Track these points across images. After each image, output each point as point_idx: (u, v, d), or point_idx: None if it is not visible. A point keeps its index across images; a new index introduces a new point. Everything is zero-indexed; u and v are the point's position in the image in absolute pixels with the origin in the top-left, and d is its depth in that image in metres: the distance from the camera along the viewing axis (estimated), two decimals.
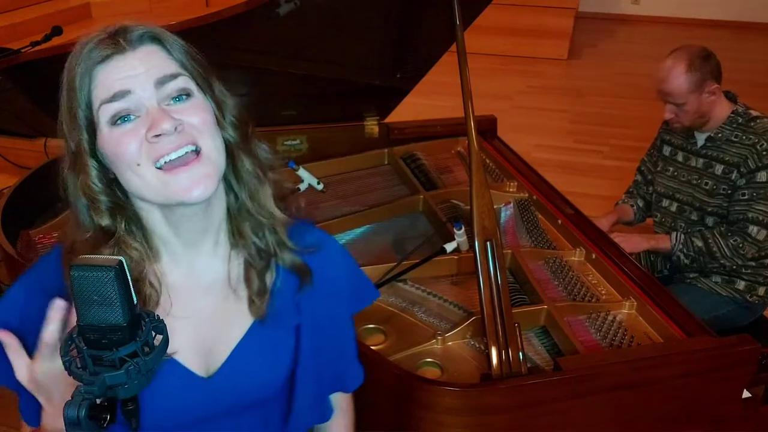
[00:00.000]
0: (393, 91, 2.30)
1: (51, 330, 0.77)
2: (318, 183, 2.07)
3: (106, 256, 0.67)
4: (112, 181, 0.86)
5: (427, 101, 3.32)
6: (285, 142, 2.32)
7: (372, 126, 2.42)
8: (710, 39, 6.54)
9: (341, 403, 1.14)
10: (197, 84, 0.87)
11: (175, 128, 0.81)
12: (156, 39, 0.86)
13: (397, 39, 2.06)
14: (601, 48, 6.37)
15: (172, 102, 0.84)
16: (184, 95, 0.85)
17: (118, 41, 0.83)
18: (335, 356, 1.06)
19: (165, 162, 0.82)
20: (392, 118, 2.44)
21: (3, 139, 2.77)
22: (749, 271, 2.15)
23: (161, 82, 0.83)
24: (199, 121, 0.84)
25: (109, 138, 0.83)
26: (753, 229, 2.04)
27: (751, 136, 2.05)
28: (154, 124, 0.81)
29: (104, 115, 0.82)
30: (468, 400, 1.32)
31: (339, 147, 2.34)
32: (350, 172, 2.28)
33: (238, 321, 0.95)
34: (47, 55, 1.82)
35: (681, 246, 2.13)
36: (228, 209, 0.94)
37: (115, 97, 0.81)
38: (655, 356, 1.40)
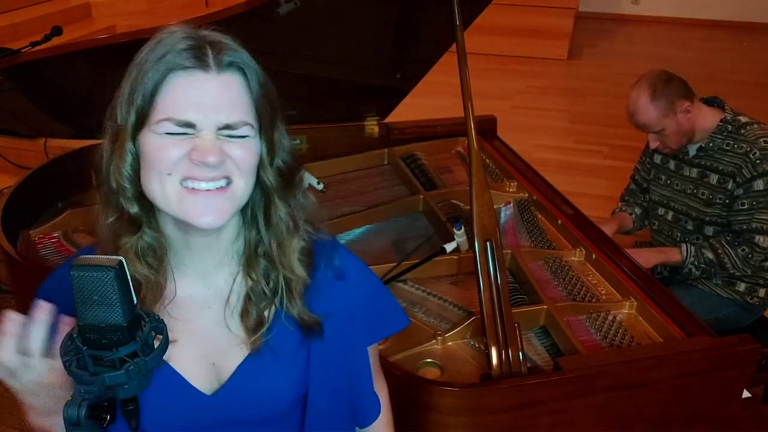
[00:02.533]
0: (393, 91, 2.30)
1: (6, 345, 0.74)
2: (318, 183, 2.07)
3: (106, 256, 0.67)
4: (139, 172, 0.86)
5: (427, 101, 3.32)
6: None
7: (372, 126, 2.42)
8: (710, 39, 6.56)
9: (380, 424, 1.12)
10: (258, 127, 0.88)
11: (218, 164, 0.82)
12: (241, 69, 0.86)
13: (397, 39, 2.06)
14: (601, 48, 6.37)
15: (226, 138, 0.84)
16: (241, 137, 0.85)
17: (206, 56, 0.83)
18: (348, 385, 1.03)
19: (192, 187, 0.83)
20: (392, 118, 2.44)
21: (3, 139, 2.77)
22: (750, 272, 2.15)
23: (226, 127, 0.83)
24: (240, 159, 0.84)
25: (154, 140, 0.83)
26: (759, 239, 2.04)
27: (743, 144, 2.05)
28: (204, 153, 0.81)
29: (161, 126, 0.82)
30: (468, 400, 1.32)
31: (339, 147, 2.34)
32: (350, 172, 2.28)
33: (236, 345, 0.94)
34: (47, 55, 1.82)
35: (692, 258, 2.11)
36: (247, 242, 0.93)
37: (180, 124, 0.82)
38: (655, 356, 1.40)
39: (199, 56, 0.83)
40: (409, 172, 2.21)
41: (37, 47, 2.25)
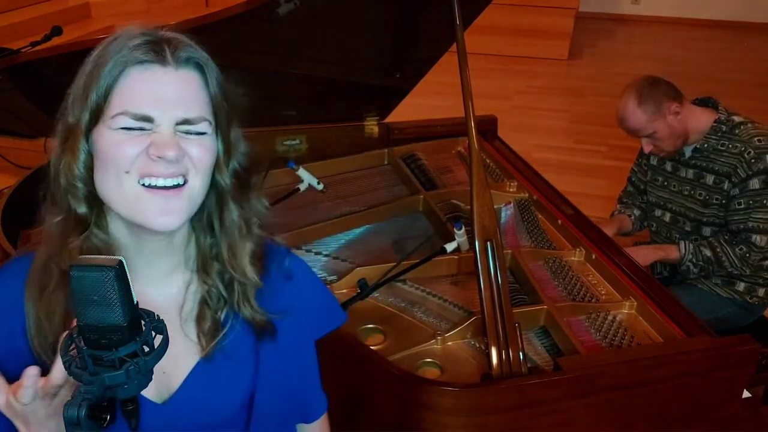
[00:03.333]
0: (393, 91, 2.30)
1: (26, 394, 0.74)
2: (318, 183, 2.07)
3: (106, 257, 0.67)
4: (92, 171, 0.85)
5: (427, 101, 3.31)
6: (285, 142, 2.32)
7: (372, 126, 2.42)
8: (710, 39, 6.56)
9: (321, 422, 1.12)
10: (216, 125, 0.87)
11: (176, 159, 0.81)
12: (199, 66, 0.86)
13: (397, 39, 2.06)
14: (601, 48, 6.38)
15: (184, 135, 0.84)
16: (197, 133, 0.85)
17: (164, 51, 0.82)
18: (297, 383, 1.03)
19: (150, 184, 0.81)
20: (392, 118, 2.44)
21: (3, 139, 2.77)
22: (749, 272, 2.15)
23: (183, 122, 0.83)
24: (198, 157, 0.84)
25: (109, 137, 0.81)
26: (756, 238, 2.04)
27: (737, 144, 2.05)
28: (162, 147, 0.80)
29: (117, 121, 0.81)
30: (468, 400, 1.32)
31: (339, 147, 2.34)
32: (350, 172, 2.28)
33: (188, 352, 0.92)
34: (47, 55, 1.83)
35: (691, 256, 2.12)
36: (200, 247, 0.92)
37: (136, 117, 0.81)
38: (655, 356, 1.40)
39: (157, 51, 0.82)
40: (409, 172, 2.21)
41: (37, 47, 2.25)
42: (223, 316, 0.92)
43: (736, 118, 2.11)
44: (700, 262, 2.11)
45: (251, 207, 0.93)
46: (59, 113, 0.86)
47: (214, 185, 0.89)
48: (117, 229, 0.88)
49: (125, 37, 0.83)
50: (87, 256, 0.68)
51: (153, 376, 0.89)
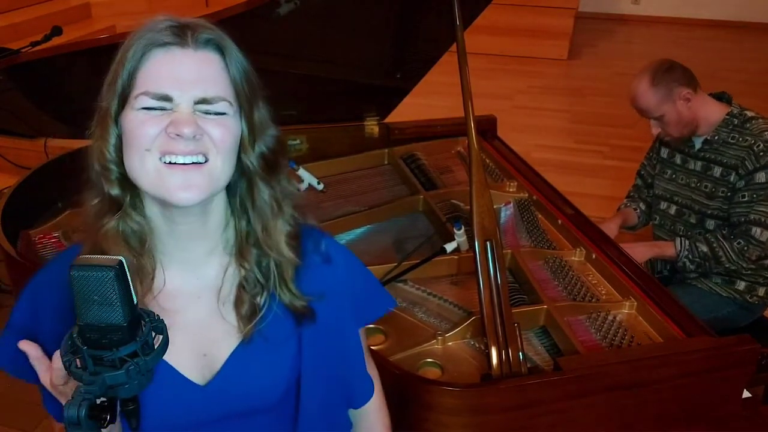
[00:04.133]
0: (393, 91, 2.30)
1: (57, 376, 0.77)
2: (318, 183, 2.07)
3: (106, 257, 0.67)
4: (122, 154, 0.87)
5: (427, 101, 3.32)
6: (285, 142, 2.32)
7: (372, 126, 2.42)
8: (710, 39, 6.57)
9: (374, 406, 1.12)
10: (238, 106, 0.88)
11: (194, 135, 0.83)
12: (219, 48, 0.87)
13: (397, 39, 2.06)
14: (601, 48, 6.38)
15: (203, 114, 0.85)
16: (217, 113, 0.86)
17: (185, 34, 0.85)
18: (340, 368, 1.03)
19: (170, 161, 0.83)
20: (392, 118, 2.45)
21: (3, 139, 2.77)
22: (749, 271, 2.15)
23: (202, 101, 0.84)
24: (219, 136, 0.85)
25: (133, 117, 0.84)
26: (756, 231, 2.04)
27: (747, 138, 2.05)
28: (178, 124, 0.82)
29: (139, 101, 0.83)
30: (468, 400, 1.32)
31: (339, 147, 2.34)
32: (350, 172, 2.28)
33: (227, 335, 0.94)
34: (47, 55, 1.82)
35: (686, 252, 2.12)
36: (237, 231, 0.94)
37: (156, 97, 0.83)
38: (655, 356, 1.40)
39: (178, 34, 0.85)
40: (409, 172, 2.21)
41: (37, 47, 2.25)
42: (261, 300, 0.93)
43: (749, 113, 2.11)
44: (697, 258, 2.11)
45: (282, 188, 0.94)
46: (98, 102, 0.88)
47: (241, 167, 0.90)
48: (151, 211, 0.90)
49: (150, 25, 0.86)
50: (87, 256, 0.68)
51: (195, 358, 0.92)
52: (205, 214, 0.90)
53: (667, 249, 2.16)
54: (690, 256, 2.11)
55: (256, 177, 0.91)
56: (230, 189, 0.93)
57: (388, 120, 2.45)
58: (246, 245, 0.93)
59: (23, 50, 2.19)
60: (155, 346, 0.71)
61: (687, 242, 2.13)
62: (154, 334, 0.71)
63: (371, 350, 1.13)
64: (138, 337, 0.69)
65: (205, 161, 0.84)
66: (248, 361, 0.93)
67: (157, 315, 0.74)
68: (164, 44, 0.84)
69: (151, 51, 0.84)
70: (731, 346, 1.41)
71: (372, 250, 1.87)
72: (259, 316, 0.92)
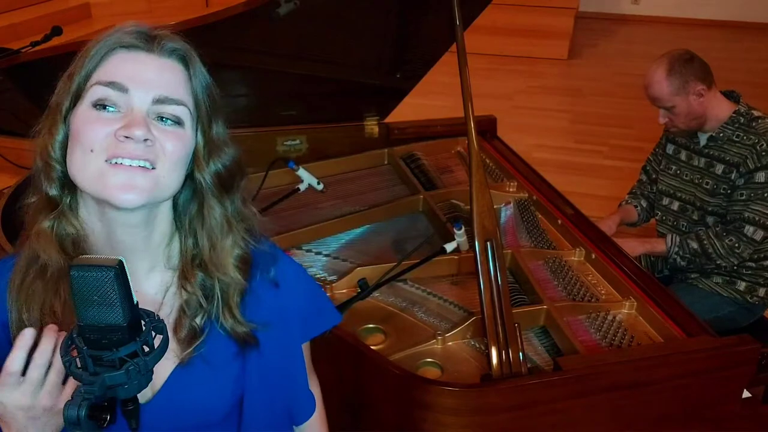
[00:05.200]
0: (393, 91, 2.30)
1: (16, 357, 0.75)
2: (318, 183, 2.07)
3: (106, 257, 0.67)
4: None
5: (427, 101, 3.32)
6: (285, 142, 2.32)
7: (372, 126, 2.42)
8: (710, 39, 6.56)
9: (315, 421, 1.11)
10: (195, 118, 0.85)
11: (145, 140, 0.79)
12: (184, 60, 0.85)
13: (397, 39, 2.06)
14: (601, 48, 6.37)
15: (158, 121, 0.82)
16: (174, 121, 0.83)
17: (152, 40, 0.83)
18: (284, 387, 1.01)
19: (115, 162, 0.79)
20: (392, 118, 2.44)
21: (3, 139, 2.77)
22: (750, 272, 2.15)
23: (161, 101, 0.82)
24: (170, 148, 0.82)
25: (82, 115, 0.81)
26: (749, 229, 2.04)
27: (752, 137, 2.05)
28: (130, 126, 0.79)
29: (92, 93, 0.81)
30: (468, 400, 1.32)
31: (339, 147, 2.34)
32: (350, 172, 2.28)
33: (166, 355, 0.89)
34: (47, 55, 1.83)
35: (677, 248, 2.13)
36: (183, 250, 0.91)
37: (111, 85, 0.80)
38: (655, 356, 1.40)
39: (145, 39, 0.83)
40: (409, 172, 2.21)
41: (37, 47, 2.25)
42: (202, 322, 0.90)
43: (756, 112, 2.12)
44: (687, 255, 2.12)
45: (235, 207, 0.91)
46: (50, 102, 0.85)
47: (194, 184, 0.88)
48: (90, 217, 0.86)
49: (117, 28, 0.84)
50: (87, 256, 0.68)
51: None
52: (148, 226, 0.86)
53: (658, 245, 2.18)
54: (681, 253, 2.12)
55: (208, 194, 0.88)
56: (178, 206, 0.90)
57: (388, 120, 2.44)
58: (191, 267, 0.89)
59: (23, 50, 2.19)
60: (155, 346, 0.71)
61: (678, 239, 2.14)
62: (154, 334, 0.71)
63: (312, 366, 1.11)
64: (138, 337, 0.69)
65: (152, 168, 0.81)
66: (188, 383, 0.90)
67: (157, 315, 0.74)
68: (129, 46, 0.82)
69: (115, 50, 0.82)
70: (731, 346, 1.41)
71: (372, 250, 1.87)
72: (200, 340, 0.89)
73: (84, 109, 0.81)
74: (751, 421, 1.47)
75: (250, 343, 0.92)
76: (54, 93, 0.84)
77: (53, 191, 0.84)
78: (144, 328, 0.70)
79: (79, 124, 0.80)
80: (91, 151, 0.79)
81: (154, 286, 0.91)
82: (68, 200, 0.85)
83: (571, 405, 1.35)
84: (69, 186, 0.84)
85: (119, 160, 0.79)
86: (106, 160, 0.79)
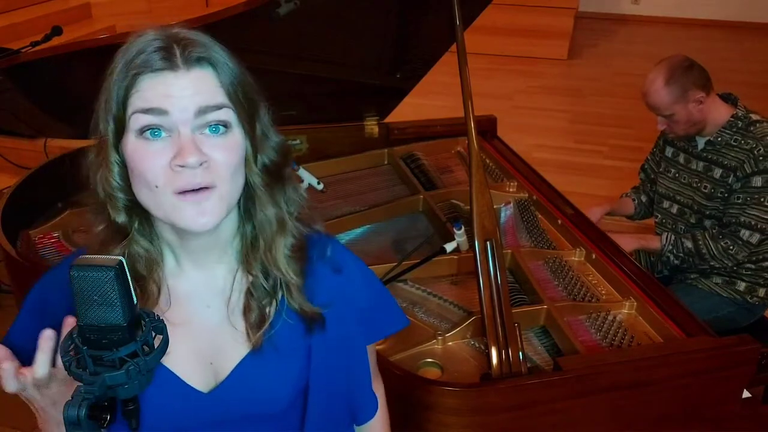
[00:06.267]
0: (393, 91, 2.30)
1: (40, 361, 0.76)
2: (318, 183, 2.07)
3: (106, 256, 0.67)
4: (129, 180, 0.85)
5: (427, 101, 3.32)
6: None
7: (372, 126, 2.42)
8: (709, 39, 6.56)
9: (376, 424, 1.11)
10: (239, 118, 0.86)
11: (200, 164, 0.81)
12: (211, 64, 0.85)
13: (397, 39, 2.06)
14: (601, 48, 6.37)
15: (207, 131, 0.83)
16: (221, 126, 0.84)
17: (173, 56, 0.82)
18: (347, 379, 1.02)
19: (182, 191, 0.81)
20: (392, 118, 2.45)
21: (3, 139, 2.77)
22: (749, 272, 2.15)
23: (203, 111, 0.82)
24: (224, 160, 0.83)
25: (134, 148, 0.82)
26: (745, 233, 2.04)
27: (749, 141, 2.05)
28: (182, 155, 0.80)
29: (135, 123, 0.81)
30: (468, 400, 1.32)
31: (339, 147, 2.34)
32: (350, 172, 2.29)
33: (236, 343, 0.93)
34: (47, 55, 1.82)
35: (671, 247, 2.14)
36: (243, 238, 0.93)
37: (150, 111, 0.80)
38: (655, 356, 1.40)
39: (167, 57, 0.82)
40: (409, 172, 2.21)
41: (37, 47, 2.25)
42: (270, 307, 0.92)
43: (754, 116, 2.11)
44: (681, 254, 2.12)
45: (287, 200, 0.92)
46: (91, 129, 0.86)
47: (247, 182, 0.89)
48: (163, 228, 0.89)
49: (138, 43, 0.83)
50: (87, 256, 0.68)
51: (200, 366, 0.91)
52: (217, 228, 0.88)
53: (653, 242, 2.18)
54: (674, 251, 2.13)
55: (259, 192, 0.89)
56: (240, 203, 0.92)
57: (388, 120, 2.45)
58: (252, 251, 0.92)
59: (23, 50, 2.19)
60: (155, 346, 0.71)
61: (673, 237, 2.15)
62: (154, 334, 0.71)
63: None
64: (138, 337, 0.69)
65: (214, 187, 0.83)
66: (256, 371, 0.92)
67: (157, 315, 0.74)
68: (154, 71, 0.81)
69: (141, 77, 0.81)
70: (731, 346, 1.41)
71: (372, 250, 1.87)
72: (268, 323, 0.91)
73: (132, 139, 0.82)
74: (751, 421, 1.47)
75: (317, 323, 0.94)
76: (97, 120, 0.85)
77: (121, 218, 0.86)
78: (144, 328, 0.70)
79: (135, 159, 0.82)
80: (156, 187, 0.81)
81: (221, 274, 0.94)
82: (136, 224, 0.88)
83: (571, 405, 1.35)
84: (135, 211, 0.87)
85: (185, 189, 0.81)
86: (173, 193, 0.81)
